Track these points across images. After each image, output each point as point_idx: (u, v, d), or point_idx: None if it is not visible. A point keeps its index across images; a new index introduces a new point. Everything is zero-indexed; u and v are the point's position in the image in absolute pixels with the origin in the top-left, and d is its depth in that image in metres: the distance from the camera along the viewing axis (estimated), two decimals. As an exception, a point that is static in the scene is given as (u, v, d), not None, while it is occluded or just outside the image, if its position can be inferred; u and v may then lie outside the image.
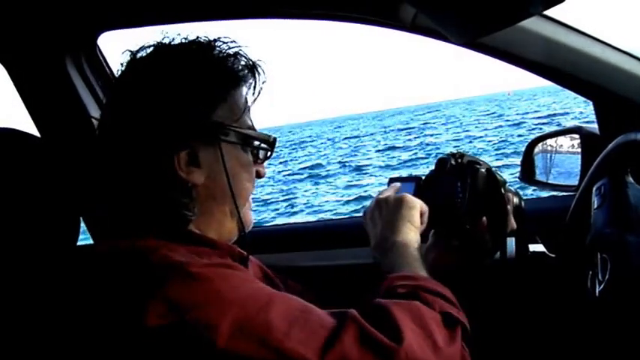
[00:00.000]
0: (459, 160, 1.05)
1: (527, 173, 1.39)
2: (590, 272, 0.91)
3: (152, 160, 0.85)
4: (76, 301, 0.82)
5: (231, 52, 0.90)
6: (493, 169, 1.05)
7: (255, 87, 0.92)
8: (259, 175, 0.96)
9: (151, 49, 0.90)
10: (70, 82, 1.42)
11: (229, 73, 0.90)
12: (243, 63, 0.91)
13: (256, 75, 0.92)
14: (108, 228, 0.96)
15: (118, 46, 0.92)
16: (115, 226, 0.92)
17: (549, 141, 1.42)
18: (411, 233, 0.97)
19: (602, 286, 0.86)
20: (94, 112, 1.43)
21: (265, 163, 0.97)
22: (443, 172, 1.07)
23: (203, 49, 0.89)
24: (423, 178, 1.10)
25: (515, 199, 1.07)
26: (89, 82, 1.45)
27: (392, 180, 1.14)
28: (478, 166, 1.04)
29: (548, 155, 1.42)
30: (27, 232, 0.97)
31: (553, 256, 1.18)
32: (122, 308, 0.74)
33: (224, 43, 0.90)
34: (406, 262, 0.92)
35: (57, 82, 1.43)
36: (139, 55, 0.90)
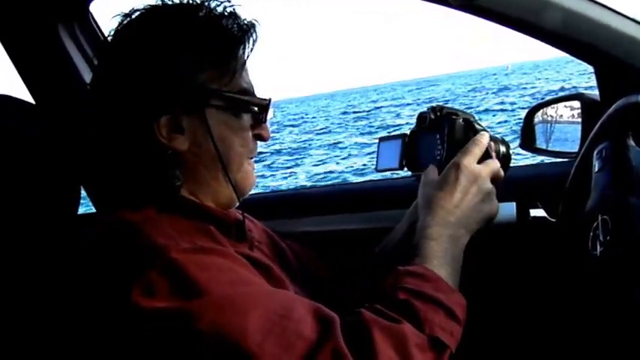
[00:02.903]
0: (438, 114, 1.03)
1: (528, 141, 1.39)
2: (591, 234, 0.91)
3: (133, 125, 0.84)
4: (66, 274, 0.83)
5: (221, 11, 0.87)
6: (472, 118, 1.02)
7: (246, 48, 0.88)
8: (262, 138, 0.93)
9: (140, 12, 0.87)
10: (64, 50, 1.41)
11: (216, 34, 0.86)
12: (234, 23, 0.87)
13: (248, 35, 0.88)
14: (108, 197, 0.96)
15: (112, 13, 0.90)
16: (112, 195, 0.91)
17: (549, 110, 1.41)
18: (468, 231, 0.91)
19: (602, 247, 0.86)
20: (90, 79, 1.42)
21: (268, 125, 0.93)
22: (423, 127, 1.06)
23: (191, 10, 0.86)
24: (408, 133, 1.10)
25: (502, 148, 1.03)
26: (83, 50, 1.44)
27: (381, 139, 1.14)
28: (455, 117, 1.02)
29: (549, 125, 1.41)
30: (24, 202, 0.97)
31: (554, 220, 1.18)
32: (110, 287, 0.74)
33: (218, 2, 0.87)
34: (439, 254, 0.86)
35: (51, 51, 1.41)
36: (127, 19, 0.87)
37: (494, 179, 0.95)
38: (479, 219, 0.92)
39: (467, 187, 0.91)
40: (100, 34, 1.49)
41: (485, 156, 0.95)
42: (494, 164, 0.95)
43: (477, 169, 0.92)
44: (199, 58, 0.84)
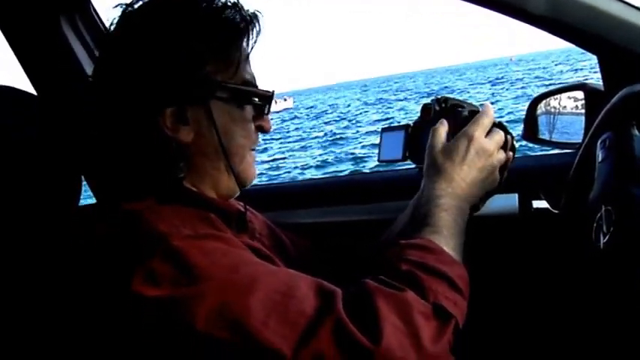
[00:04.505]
0: (443, 105, 1.03)
1: (531, 132, 1.38)
2: (595, 225, 0.90)
3: (137, 117, 0.84)
4: (67, 263, 0.82)
5: (224, 2, 0.86)
6: (478, 110, 1.01)
7: (249, 39, 0.88)
8: (264, 130, 0.93)
9: (142, 2, 0.87)
10: (66, 41, 1.41)
11: (220, 25, 0.86)
12: (237, 14, 0.87)
13: (251, 26, 0.88)
14: (109, 188, 0.96)
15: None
16: (114, 186, 0.91)
17: (553, 102, 1.40)
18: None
19: (606, 238, 0.85)
20: (91, 71, 1.43)
21: (269, 117, 0.93)
22: (428, 118, 1.05)
23: (194, 0, 0.86)
24: (411, 125, 1.09)
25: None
26: (85, 41, 1.44)
27: (384, 130, 1.14)
28: (461, 109, 1.01)
29: (552, 116, 1.40)
30: (25, 192, 0.96)
31: (557, 212, 1.17)
32: (111, 276, 0.74)
33: None
34: (449, 225, 0.87)
35: (53, 43, 1.41)
36: (129, 9, 0.87)
37: (503, 167, 0.97)
38: (480, 195, 0.94)
39: (474, 161, 0.92)
40: (101, 25, 1.49)
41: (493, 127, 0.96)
42: (500, 137, 0.96)
43: (486, 144, 0.94)
44: (203, 49, 0.84)
